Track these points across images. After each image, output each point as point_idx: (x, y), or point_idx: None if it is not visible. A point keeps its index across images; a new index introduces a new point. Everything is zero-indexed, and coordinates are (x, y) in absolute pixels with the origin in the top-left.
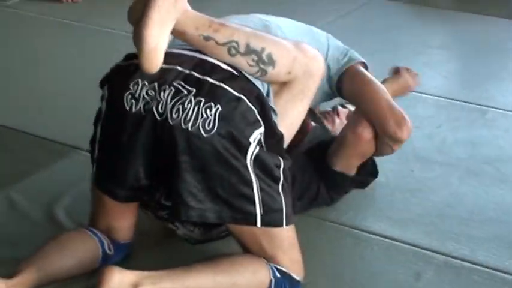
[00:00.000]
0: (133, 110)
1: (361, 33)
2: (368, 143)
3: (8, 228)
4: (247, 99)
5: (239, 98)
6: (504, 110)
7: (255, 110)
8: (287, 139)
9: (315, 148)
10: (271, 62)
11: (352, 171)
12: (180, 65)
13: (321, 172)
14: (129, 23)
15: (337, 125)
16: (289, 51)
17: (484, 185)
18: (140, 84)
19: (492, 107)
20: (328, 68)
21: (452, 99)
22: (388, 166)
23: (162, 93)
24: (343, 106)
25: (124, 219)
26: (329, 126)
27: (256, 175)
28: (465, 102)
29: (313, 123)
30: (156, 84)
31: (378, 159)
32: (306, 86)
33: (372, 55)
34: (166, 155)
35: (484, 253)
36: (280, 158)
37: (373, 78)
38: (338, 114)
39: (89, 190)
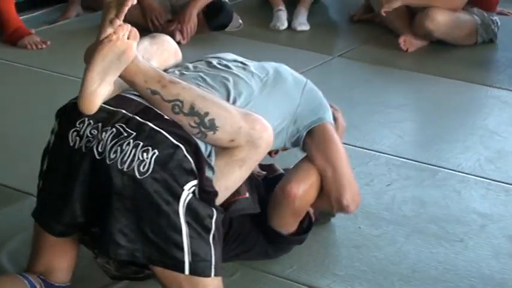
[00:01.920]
0: (76, 146)
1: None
2: (298, 200)
3: None
4: (185, 149)
5: (177, 146)
6: (455, 170)
7: (191, 161)
8: (219, 201)
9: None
10: (212, 127)
11: (290, 229)
12: (125, 109)
13: (260, 227)
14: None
15: None
16: (235, 120)
17: (429, 243)
18: (86, 123)
19: (443, 168)
20: (295, 122)
21: (405, 158)
22: (336, 222)
23: (103, 134)
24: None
25: (63, 260)
26: None
27: (187, 222)
28: (417, 161)
29: (247, 194)
30: (100, 124)
31: None
32: (248, 155)
33: None
34: (102, 193)
35: None
36: (213, 209)
37: (339, 140)
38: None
39: None
